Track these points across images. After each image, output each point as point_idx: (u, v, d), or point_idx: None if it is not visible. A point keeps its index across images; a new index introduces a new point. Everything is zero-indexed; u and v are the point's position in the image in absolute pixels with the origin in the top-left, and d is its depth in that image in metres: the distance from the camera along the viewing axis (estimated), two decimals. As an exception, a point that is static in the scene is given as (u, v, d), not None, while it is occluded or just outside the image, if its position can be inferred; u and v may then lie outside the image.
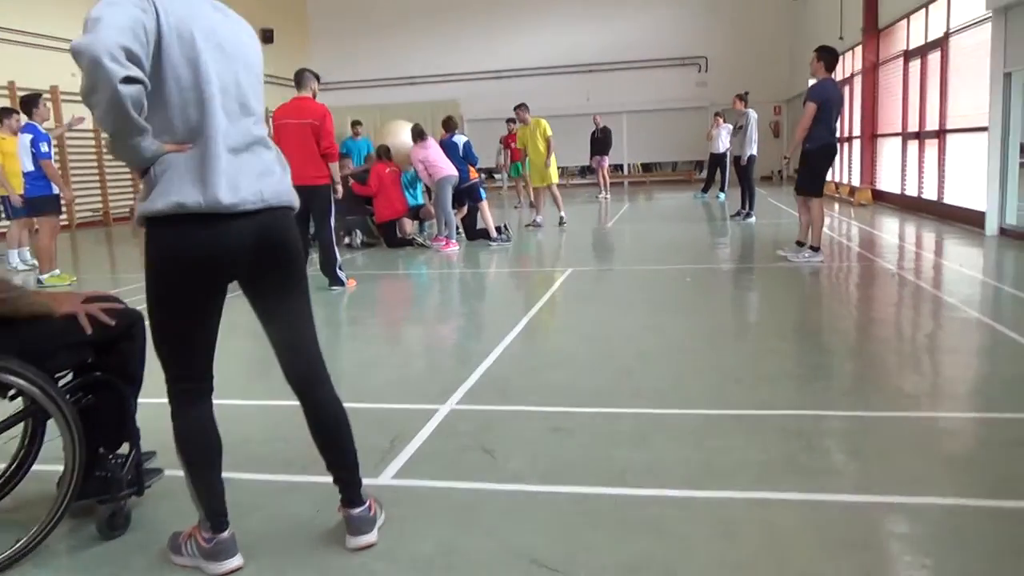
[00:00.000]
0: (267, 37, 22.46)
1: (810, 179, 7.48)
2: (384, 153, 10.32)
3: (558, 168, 12.19)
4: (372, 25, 24.73)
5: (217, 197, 2.09)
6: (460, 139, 10.16)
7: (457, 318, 6.18)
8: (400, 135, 10.25)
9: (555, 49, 23.90)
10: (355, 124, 14.43)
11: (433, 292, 7.50)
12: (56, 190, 8.02)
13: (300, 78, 7.06)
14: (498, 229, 10.44)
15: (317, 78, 7.10)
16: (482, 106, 23.62)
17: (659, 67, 23.51)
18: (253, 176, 2.19)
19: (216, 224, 2.12)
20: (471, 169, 10.18)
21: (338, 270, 7.13)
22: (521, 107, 11.93)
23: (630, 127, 23.87)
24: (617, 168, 24.67)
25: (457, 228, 10.84)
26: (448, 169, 9.81)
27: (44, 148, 7.90)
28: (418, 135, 9.83)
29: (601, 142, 18.14)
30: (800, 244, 7.77)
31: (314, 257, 7.11)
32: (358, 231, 10.27)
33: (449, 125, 10.36)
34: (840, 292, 6.64)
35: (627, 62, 23.60)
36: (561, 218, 11.84)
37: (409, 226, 10.89)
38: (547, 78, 24.06)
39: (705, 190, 16.45)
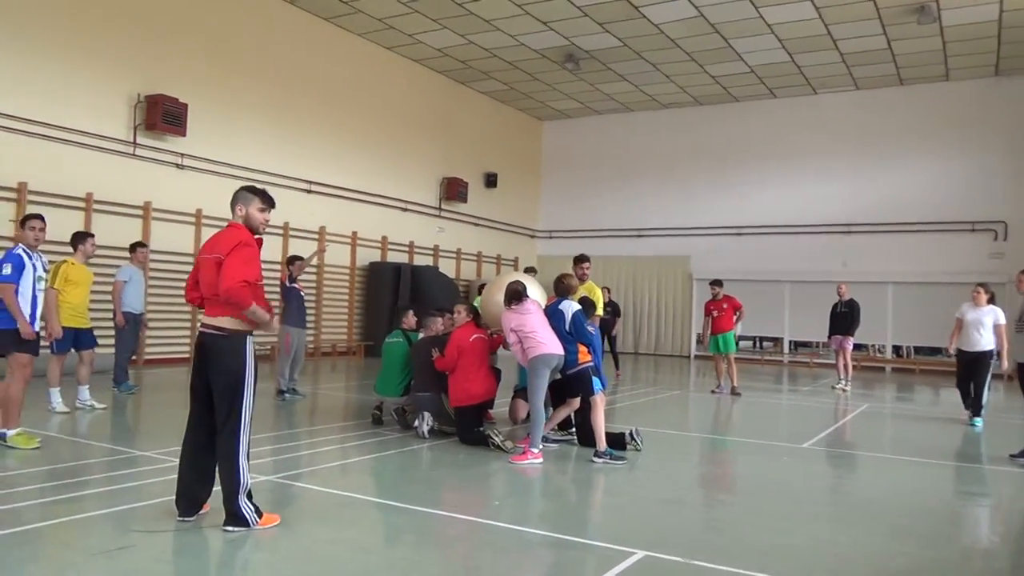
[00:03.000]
0: (490, 181, 21.33)
1: None
2: (473, 314, 7.60)
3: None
4: (603, 173, 22.79)
5: None
6: (569, 307, 7.11)
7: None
8: (502, 292, 7.45)
9: (804, 205, 20.07)
10: (529, 271, 12.02)
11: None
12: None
13: (232, 199, 4.64)
14: (617, 440, 7.11)
15: (260, 195, 4.59)
16: (716, 265, 20.25)
17: (939, 231, 18.63)
18: None
19: None
20: (581, 350, 7.06)
21: (244, 501, 4.35)
22: (580, 260, 8.50)
23: (897, 301, 18.99)
24: (879, 349, 19.77)
25: (570, 427, 7.71)
26: (549, 346, 6.80)
27: (6, 271, 6.22)
28: (513, 296, 7.00)
29: (844, 318, 13.91)
30: None
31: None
32: (428, 414, 7.48)
33: (560, 287, 7.34)
34: None
35: (896, 224, 19.04)
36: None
37: (523, 410, 7.92)
38: (794, 237, 20.21)
39: (977, 411, 9.59)
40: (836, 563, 4.28)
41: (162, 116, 12.87)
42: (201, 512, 4.55)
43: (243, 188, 4.63)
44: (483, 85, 20.54)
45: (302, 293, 10.26)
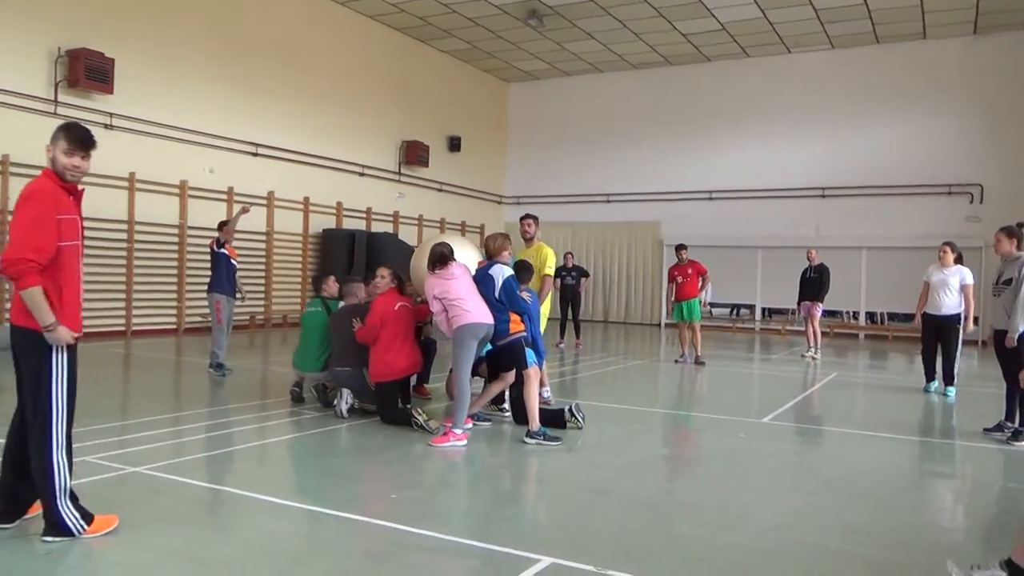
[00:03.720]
0: (454, 145, 20.38)
1: None
2: (398, 281, 6.80)
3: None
4: (572, 137, 21.90)
5: None
6: (500, 271, 6.30)
7: None
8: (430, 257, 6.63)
9: (778, 168, 19.33)
10: (501, 237, 11.12)
11: None
12: None
13: (52, 139, 3.75)
14: (555, 417, 6.42)
15: (67, 133, 3.64)
16: (687, 230, 19.47)
17: (914, 194, 17.97)
18: None
19: None
20: (513, 319, 6.29)
21: (63, 506, 3.54)
22: (527, 219, 7.92)
23: (871, 266, 18.38)
24: (853, 316, 19.20)
25: (503, 404, 6.99)
26: (476, 314, 6.02)
27: None
28: (437, 259, 6.19)
29: (813, 284, 13.27)
30: None
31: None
32: (347, 391, 6.69)
33: (491, 247, 6.53)
34: None
35: (871, 187, 18.35)
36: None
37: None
38: (767, 202, 19.49)
39: (943, 378, 9.07)
40: (775, 571, 3.57)
41: (85, 72, 11.85)
42: (27, 517, 3.76)
43: (64, 125, 3.75)
44: (444, 44, 19.51)
45: (234, 261, 9.39)
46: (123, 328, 12.99)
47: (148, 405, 7.12)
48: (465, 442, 5.81)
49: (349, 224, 17.25)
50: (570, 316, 14.73)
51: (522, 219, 7.92)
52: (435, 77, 19.88)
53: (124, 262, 12.95)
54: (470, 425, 6.41)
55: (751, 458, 5.86)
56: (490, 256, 6.48)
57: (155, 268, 13.49)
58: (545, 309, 7.60)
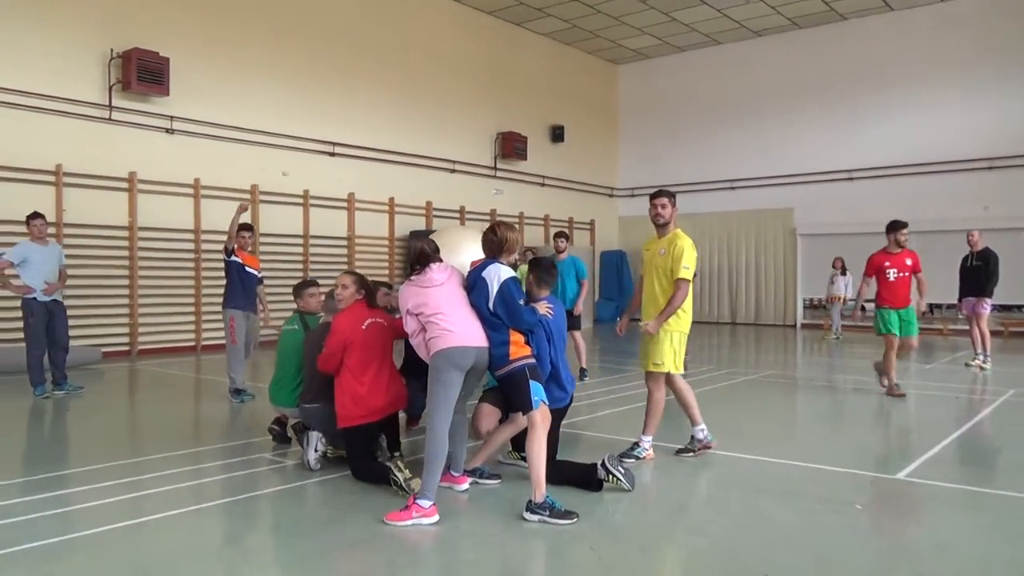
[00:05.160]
0: (557, 135, 18.56)
1: None
2: (366, 290, 5.12)
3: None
4: (689, 119, 19.55)
5: None
6: (496, 272, 4.45)
7: None
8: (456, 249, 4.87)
9: (934, 139, 16.18)
10: (558, 237, 9.63)
11: None
12: None
13: None
14: (586, 477, 4.56)
15: None
16: (825, 216, 16.91)
17: (1115, 159, 14.40)
18: None
19: None
20: (515, 340, 4.44)
21: None
22: (661, 197, 5.41)
23: (1058, 251, 14.92)
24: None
25: (514, 453, 5.17)
26: (460, 335, 4.25)
27: None
28: (417, 259, 4.47)
29: (977, 274, 10.51)
30: None
31: None
32: (316, 435, 5.08)
33: (489, 244, 4.63)
34: None
35: (1056, 153, 14.89)
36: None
37: (490, 417, 5.24)
38: (919, 179, 16.38)
39: None
40: None
41: (137, 73, 11.06)
42: None
43: None
44: (541, 25, 17.75)
45: (251, 269, 8.07)
46: (193, 343, 12.17)
47: (107, 449, 5.85)
48: (435, 519, 4.04)
49: (440, 224, 15.86)
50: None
51: (653, 198, 5.54)
52: (532, 62, 18.17)
53: (192, 274, 12.14)
54: (464, 486, 4.66)
55: (865, 557, 3.70)
56: (491, 253, 4.61)
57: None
58: (685, 324, 5.37)
